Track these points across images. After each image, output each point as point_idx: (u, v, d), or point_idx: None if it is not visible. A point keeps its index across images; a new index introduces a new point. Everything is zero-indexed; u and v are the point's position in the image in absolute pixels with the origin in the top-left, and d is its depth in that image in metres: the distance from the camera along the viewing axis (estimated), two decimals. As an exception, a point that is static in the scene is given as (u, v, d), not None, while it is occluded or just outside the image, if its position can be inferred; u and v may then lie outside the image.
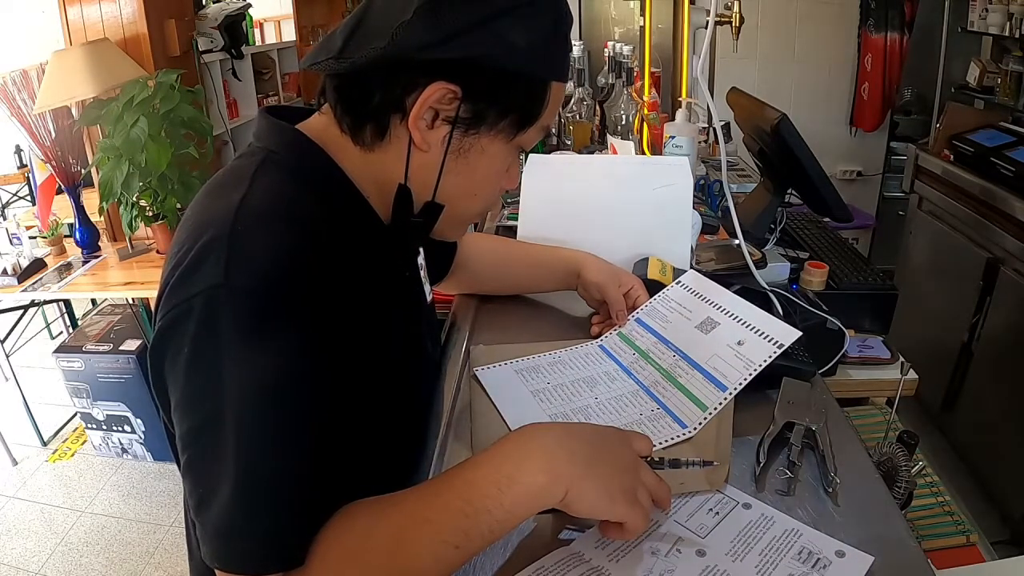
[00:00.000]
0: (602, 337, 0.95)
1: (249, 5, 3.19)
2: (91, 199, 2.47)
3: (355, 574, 0.54)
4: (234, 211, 0.57)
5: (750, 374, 0.78)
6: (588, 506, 0.55)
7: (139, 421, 2.44)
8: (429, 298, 0.88)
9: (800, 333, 0.80)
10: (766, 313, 0.85)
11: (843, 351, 1.04)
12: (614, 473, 0.57)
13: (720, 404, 0.77)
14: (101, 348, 2.38)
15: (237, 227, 0.56)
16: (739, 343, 0.82)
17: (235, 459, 0.52)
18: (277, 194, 0.61)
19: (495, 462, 0.56)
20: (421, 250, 0.87)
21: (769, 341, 0.80)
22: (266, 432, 0.53)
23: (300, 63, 0.83)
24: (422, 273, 0.86)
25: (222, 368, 0.53)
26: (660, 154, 1.58)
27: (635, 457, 0.60)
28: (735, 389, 0.78)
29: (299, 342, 0.55)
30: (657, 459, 0.63)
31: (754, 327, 0.83)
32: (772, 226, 1.31)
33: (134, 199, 2.28)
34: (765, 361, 0.78)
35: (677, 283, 0.96)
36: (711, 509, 0.68)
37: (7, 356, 2.67)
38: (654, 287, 0.98)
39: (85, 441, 2.61)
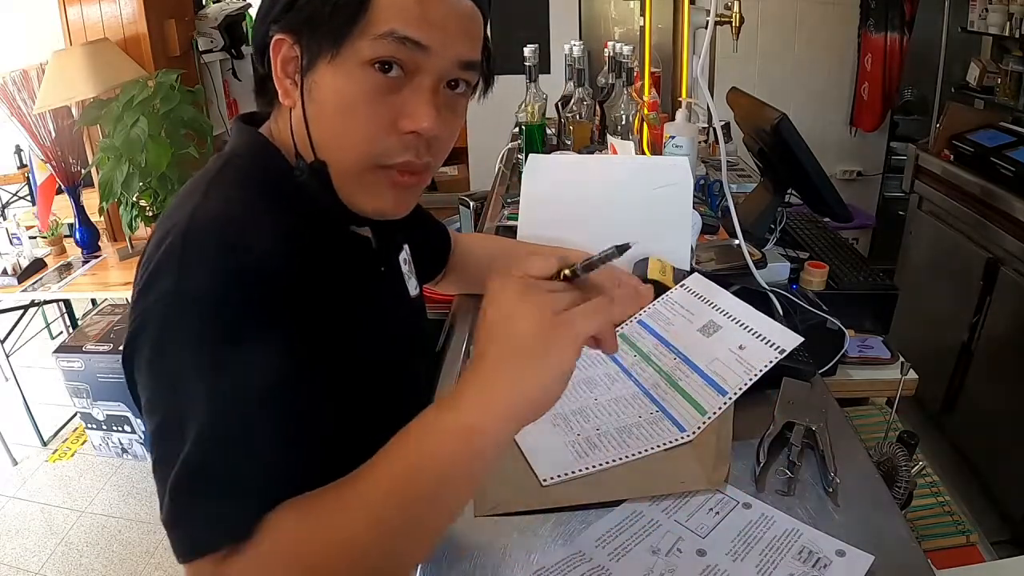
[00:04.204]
0: (603, 337, 0.95)
1: (249, 5, 3.18)
2: (91, 199, 2.47)
3: (304, 530, 0.52)
4: (187, 219, 0.58)
5: (750, 379, 0.78)
6: (548, 394, 0.50)
7: (139, 421, 2.44)
8: (414, 293, 0.87)
9: (802, 339, 0.80)
10: (768, 317, 0.85)
11: (843, 351, 1.04)
12: (511, 345, 0.50)
13: (719, 409, 0.77)
14: (101, 348, 2.38)
15: (189, 236, 0.57)
16: (740, 347, 0.82)
17: (179, 454, 0.52)
18: (229, 200, 0.62)
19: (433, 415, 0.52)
20: (406, 246, 0.87)
21: (770, 346, 0.80)
22: (217, 429, 0.53)
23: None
24: (405, 268, 0.85)
25: (178, 371, 0.54)
26: (660, 154, 1.58)
27: (516, 293, 0.51)
28: (735, 394, 0.77)
29: (251, 341, 0.55)
30: (568, 271, 0.53)
31: (756, 331, 0.83)
32: (772, 226, 1.31)
33: (134, 199, 2.28)
34: (766, 366, 0.78)
35: (681, 286, 0.96)
36: (711, 509, 0.68)
37: (7, 356, 2.66)
38: (654, 287, 0.98)
39: (85, 441, 2.61)
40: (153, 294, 0.55)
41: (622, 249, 0.53)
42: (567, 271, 0.53)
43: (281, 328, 0.57)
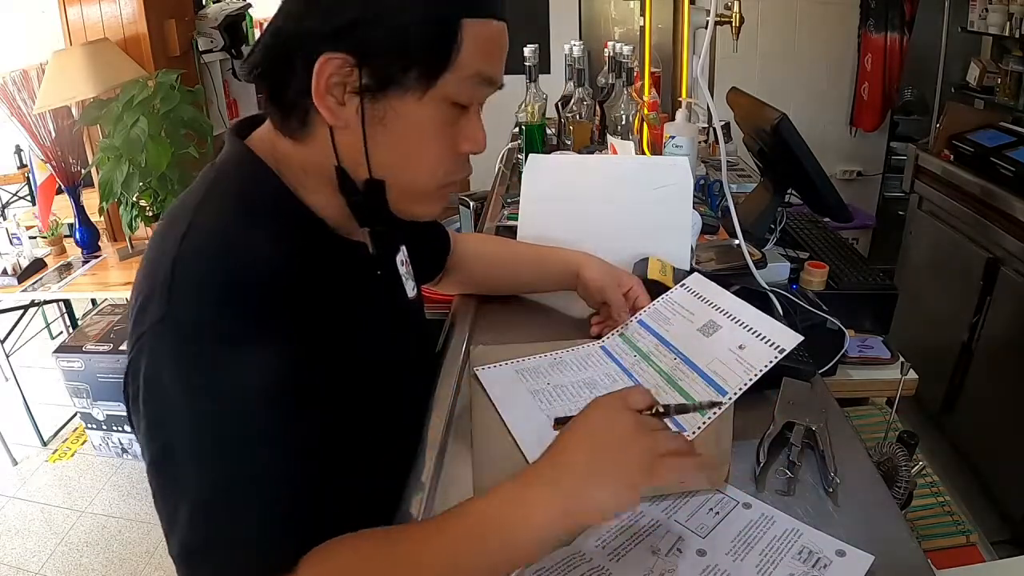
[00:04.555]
0: (604, 338, 0.95)
1: (249, 5, 3.18)
2: (91, 199, 2.47)
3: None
4: (176, 248, 0.58)
5: (750, 379, 0.78)
6: (611, 511, 0.55)
7: (139, 421, 2.43)
8: (412, 295, 0.87)
9: (802, 338, 0.79)
10: (768, 317, 0.84)
11: (843, 351, 1.04)
12: (617, 465, 0.55)
13: (719, 409, 0.77)
14: (101, 348, 2.38)
15: (177, 265, 0.57)
16: (740, 347, 0.82)
17: (192, 482, 0.53)
18: (217, 224, 0.61)
19: (500, 506, 0.55)
20: (403, 248, 0.87)
21: (770, 345, 0.80)
22: (216, 452, 0.53)
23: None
24: (402, 270, 0.85)
25: (169, 396, 0.54)
26: (660, 154, 1.58)
27: (632, 425, 0.57)
28: (735, 394, 0.77)
29: (244, 363, 0.55)
30: (662, 408, 0.61)
31: (756, 331, 0.83)
32: (772, 226, 1.31)
33: (134, 199, 2.28)
34: (766, 366, 0.78)
35: (681, 285, 0.95)
36: (711, 509, 0.68)
37: (7, 356, 2.66)
38: (654, 287, 0.98)
39: (85, 441, 2.61)
40: (143, 324, 0.56)
41: (714, 404, 0.66)
42: (660, 408, 0.60)
43: (278, 342, 0.57)
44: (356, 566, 0.53)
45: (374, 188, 0.65)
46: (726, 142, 1.59)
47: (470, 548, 0.53)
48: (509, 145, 2.06)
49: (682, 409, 0.62)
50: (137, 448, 2.51)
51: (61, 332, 3.20)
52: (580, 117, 1.84)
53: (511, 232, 1.28)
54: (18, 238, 2.39)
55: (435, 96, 0.62)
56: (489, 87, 0.65)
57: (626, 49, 1.76)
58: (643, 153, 1.67)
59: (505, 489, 0.55)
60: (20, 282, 2.29)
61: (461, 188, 1.79)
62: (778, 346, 0.79)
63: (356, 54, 0.59)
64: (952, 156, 2.36)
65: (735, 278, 1.06)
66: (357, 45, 0.59)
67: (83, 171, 2.50)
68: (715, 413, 0.77)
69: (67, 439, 2.69)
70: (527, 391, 0.85)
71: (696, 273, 0.98)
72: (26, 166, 3.45)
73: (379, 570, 0.53)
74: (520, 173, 1.38)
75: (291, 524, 0.54)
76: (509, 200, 1.63)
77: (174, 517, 0.53)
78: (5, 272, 2.29)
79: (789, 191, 1.31)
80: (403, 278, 0.85)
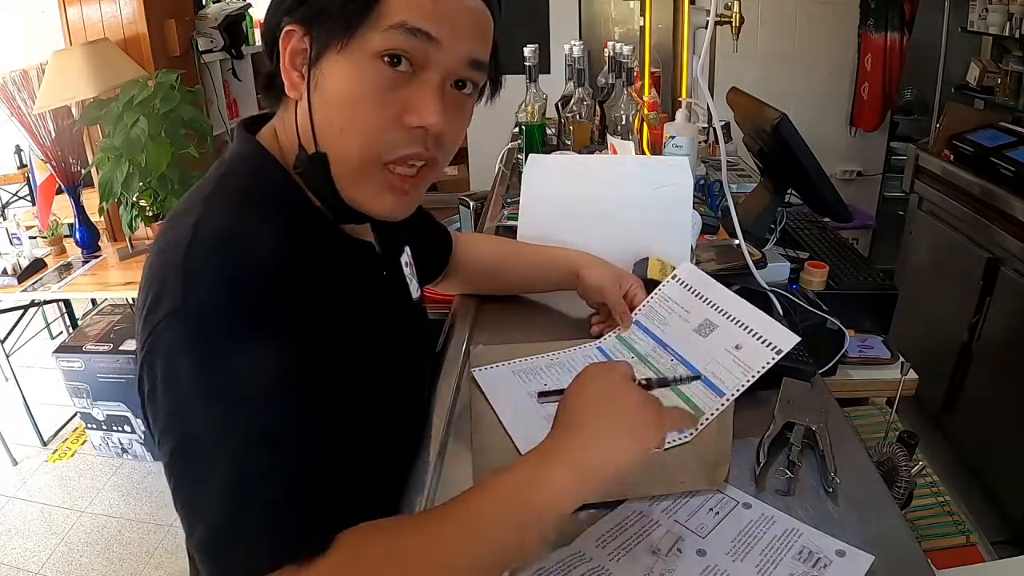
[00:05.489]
0: (600, 339, 0.95)
1: (249, 5, 3.18)
2: (91, 199, 2.47)
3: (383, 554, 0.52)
4: (188, 240, 0.58)
5: (748, 380, 0.77)
6: (628, 459, 0.55)
7: (139, 421, 2.43)
8: (416, 295, 0.87)
9: (799, 339, 0.79)
10: (765, 315, 0.84)
11: (843, 351, 1.04)
12: (623, 417, 0.56)
13: (718, 409, 0.77)
14: (101, 348, 2.38)
15: (189, 255, 0.57)
16: (737, 347, 0.82)
17: (213, 472, 0.52)
18: (226, 217, 0.61)
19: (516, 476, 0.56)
20: (407, 248, 0.87)
21: (768, 346, 0.80)
22: (233, 444, 0.53)
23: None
24: (406, 271, 0.85)
25: (187, 387, 0.54)
26: (660, 154, 1.58)
27: (625, 382, 0.59)
28: (733, 395, 0.77)
29: (256, 356, 0.55)
30: (644, 381, 0.63)
31: (753, 331, 0.82)
32: (772, 226, 1.31)
33: (134, 199, 2.28)
34: (763, 367, 0.78)
35: (673, 278, 0.94)
36: (711, 509, 0.68)
37: (7, 356, 2.66)
38: (654, 287, 0.97)
39: (85, 441, 2.61)
40: (158, 314, 0.55)
41: (693, 378, 0.69)
42: (643, 381, 0.63)
43: (285, 335, 0.57)
44: (389, 549, 0.53)
45: (316, 161, 0.64)
46: (726, 142, 1.59)
47: (490, 525, 0.53)
48: (509, 145, 2.06)
49: (662, 383, 0.66)
50: (137, 448, 2.52)
51: (61, 332, 3.20)
52: (580, 117, 1.84)
53: (511, 232, 1.28)
54: (18, 238, 2.39)
55: (362, 51, 0.60)
56: (422, 41, 0.60)
57: (626, 49, 1.76)
58: (643, 153, 1.67)
59: (521, 465, 0.55)
60: (20, 282, 2.29)
61: (461, 188, 1.79)
62: (776, 347, 0.79)
63: (305, 21, 0.61)
64: (952, 156, 2.36)
65: (735, 278, 1.06)
66: (306, 12, 0.61)
67: (83, 171, 2.50)
68: (717, 411, 0.77)
69: (67, 439, 2.69)
70: (524, 392, 0.85)
71: (685, 262, 0.97)
72: (26, 166, 3.45)
73: (410, 552, 0.52)
74: (520, 173, 1.38)
75: (313, 510, 0.53)
76: (509, 200, 1.63)
77: (197, 507, 0.52)
78: (5, 272, 2.29)
79: (789, 191, 1.31)
80: (407, 279, 0.85)
